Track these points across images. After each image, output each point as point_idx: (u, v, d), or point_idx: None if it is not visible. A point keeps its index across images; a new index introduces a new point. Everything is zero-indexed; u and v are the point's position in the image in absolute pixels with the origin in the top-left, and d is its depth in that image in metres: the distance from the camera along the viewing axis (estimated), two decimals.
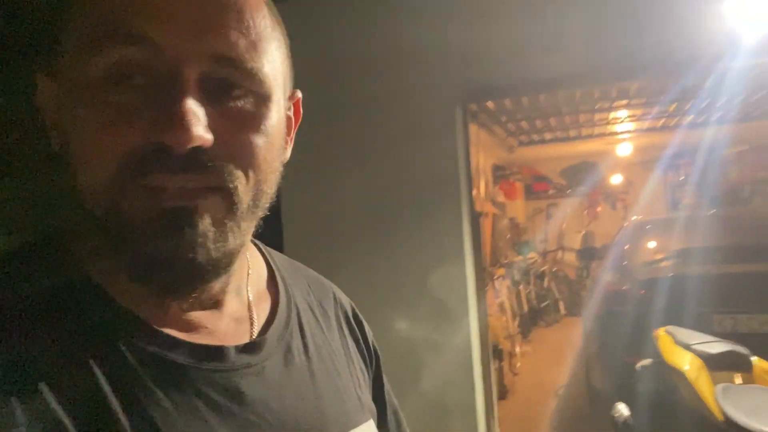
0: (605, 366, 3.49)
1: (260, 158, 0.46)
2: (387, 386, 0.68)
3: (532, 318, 6.94)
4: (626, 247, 4.08)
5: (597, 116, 3.86)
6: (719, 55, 2.28)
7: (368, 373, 0.65)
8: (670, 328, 1.98)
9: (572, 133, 4.29)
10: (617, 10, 2.28)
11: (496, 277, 5.75)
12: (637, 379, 1.96)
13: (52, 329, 0.41)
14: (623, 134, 4.83)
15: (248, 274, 0.56)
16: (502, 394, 4.32)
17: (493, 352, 4.17)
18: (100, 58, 0.41)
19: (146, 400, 0.42)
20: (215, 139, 0.42)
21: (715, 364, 1.69)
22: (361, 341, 0.65)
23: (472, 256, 3.29)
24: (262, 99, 0.46)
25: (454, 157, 2.90)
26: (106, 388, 0.41)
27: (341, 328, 0.63)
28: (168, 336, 0.46)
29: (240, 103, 0.45)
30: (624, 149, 5.91)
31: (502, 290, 5.85)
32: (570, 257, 8.57)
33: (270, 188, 0.49)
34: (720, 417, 1.54)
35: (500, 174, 7.88)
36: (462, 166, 3.00)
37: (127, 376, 0.42)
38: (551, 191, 8.49)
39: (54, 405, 0.38)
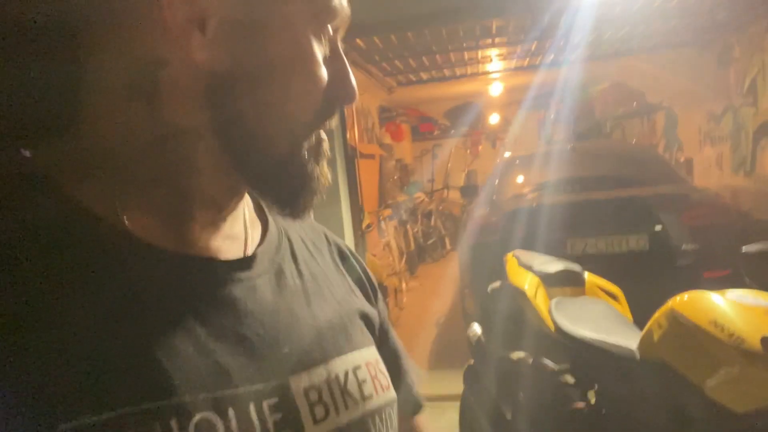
0: (475, 293, 3.74)
1: None
2: (383, 311, 0.67)
3: (420, 255, 7.24)
4: (496, 182, 4.32)
5: (467, 55, 3.94)
6: None
7: (372, 305, 0.64)
8: (517, 251, 2.14)
9: (447, 72, 4.37)
10: None
11: (383, 217, 5.89)
12: (488, 301, 2.12)
13: (49, 259, 0.41)
14: (494, 73, 5.01)
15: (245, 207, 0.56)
16: None
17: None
18: (313, 7, 0.46)
19: (132, 317, 0.41)
20: None
21: (553, 281, 1.86)
22: (363, 276, 0.65)
23: (348, 197, 3.33)
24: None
25: None
26: (93, 311, 0.40)
27: (337, 265, 0.62)
28: (158, 250, 0.45)
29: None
30: (496, 89, 6.16)
31: (389, 230, 6.01)
32: (455, 195, 8.96)
33: None
34: (552, 327, 1.71)
35: (386, 116, 7.93)
36: None
37: (116, 294, 0.41)
38: (436, 132, 8.72)
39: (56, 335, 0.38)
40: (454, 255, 7.92)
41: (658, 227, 3.36)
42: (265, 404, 0.44)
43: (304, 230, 0.63)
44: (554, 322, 1.70)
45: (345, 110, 3.15)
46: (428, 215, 8.04)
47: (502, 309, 1.94)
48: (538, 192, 3.79)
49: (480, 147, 8.97)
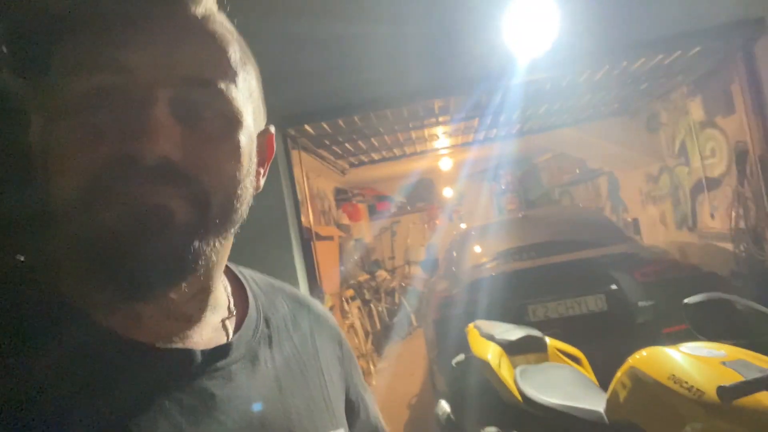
0: (442, 369, 3.67)
1: (229, 174, 0.49)
2: (360, 383, 0.71)
3: (386, 334, 7.11)
4: (454, 254, 4.37)
5: (414, 134, 4.10)
6: (501, 74, 2.55)
7: (342, 382, 0.66)
8: (478, 322, 2.14)
9: (397, 151, 4.52)
10: (413, 37, 2.45)
11: (345, 298, 5.81)
12: (454, 375, 2.08)
13: (31, 349, 0.43)
14: (442, 150, 5.20)
15: (228, 296, 0.59)
16: None
17: None
18: (78, 84, 0.44)
19: (118, 408, 0.43)
20: (185, 154, 0.45)
21: (515, 349, 1.85)
22: (338, 347, 0.68)
23: (306, 280, 3.29)
24: (231, 121, 0.49)
25: (278, 185, 2.88)
26: (81, 400, 0.42)
27: (314, 339, 0.65)
28: (139, 344, 0.47)
29: (210, 123, 0.47)
30: (446, 164, 6.38)
31: (352, 311, 5.92)
32: (417, 271, 8.98)
33: (240, 206, 0.51)
34: (520, 397, 1.68)
35: (342, 197, 8.04)
36: (287, 194, 3.00)
37: (101, 386, 0.43)
38: (393, 209, 8.85)
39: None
40: (420, 331, 7.82)
41: (613, 286, 3.44)
42: None
43: (287, 303, 0.66)
44: (521, 392, 1.68)
45: (299, 193, 3.18)
46: (392, 293, 7.99)
47: (468, 382, 1.90)
48: (496, 261, 3.85)
49: (438, 221, 9.14)
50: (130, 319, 0.48)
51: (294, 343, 0.61)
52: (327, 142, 3.60)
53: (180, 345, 0.50)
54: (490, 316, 3.46)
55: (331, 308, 4.69)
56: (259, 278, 0.67)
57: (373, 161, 4.55)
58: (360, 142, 3.87)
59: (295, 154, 3.18)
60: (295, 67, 2.52)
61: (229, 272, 0.63)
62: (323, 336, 0.67)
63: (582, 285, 3.49)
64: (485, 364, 1.79)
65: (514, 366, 1.78)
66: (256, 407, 0.51)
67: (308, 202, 3.92)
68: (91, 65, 0.44)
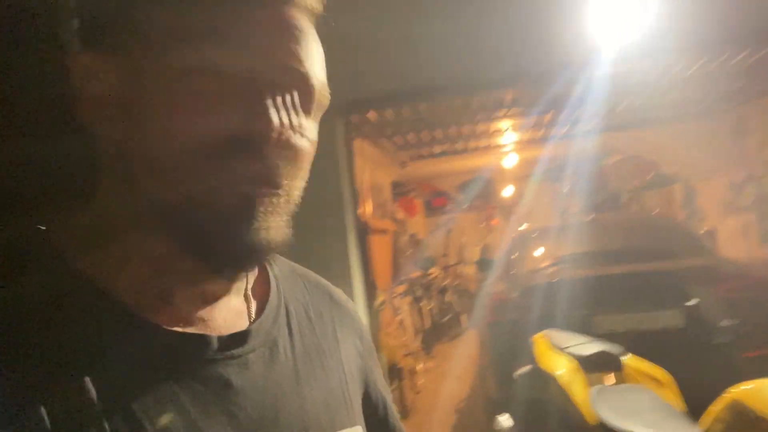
0: (497, 377, 3.48)
1: (306, 164, 0.50)
2: (379, 379, 0.68)
3: (435, 333, 6.95)
4: (513, 256, 4.15)
5: (480, 128, 3.91)
6: (585, 64, 2.34)
7: (362, 376, 0.65)
8: (548, 331, 1.95)
9: (459, 146, 4.33)
10: (489, 21, 2.28)
11: (395, 294, 5.69)
12: (516, 388, 1.91)
13: (41, 323, 0.43)
14: (507, 146, 4.97)
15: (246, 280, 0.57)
16: (404, 415, 4.20)
17: (392, 372, 4.07)
18: (195, 53, 0.43)
19: (125, 392, 0.42)
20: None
21: (589, 365, 1.66)
22: (358, 340, 0.66)
23: (361, 275, 3.17)
24: (318, 109, 0.50)
25: (336, 173, 2.78)
26: (88, 386, 0.41)
27: (335, 329, 0.63)
28: (155, 326, 0.46)
29: (304, 111, 0.48)
30: (510, 161, 6.12)
31: (402, 307, 5.79)
32: (470, 270, 8.75)
33: (299, 195, 0.51)
34: (592, 421, 1.50)
35: (399, 191, 7.92)
36: (346, 183, 2.89)
37: (109, 367, 0.42)
38: (450, 206, 8.65)
39: (42, 412, 0.39)
40: (471, 333, 7.61)
41: (692, 302, 3.14)
42: None
43: (309, 291, 0.63)
44: (598, 416, 1.49)
45: (357, 185, 3.06)
46: (443, 291, 7.81)
47: (532, 397, 1.73)
48: (559, 266, 3.61)
49: (495, 221, 8.87)
50: (156, 299, 0.47)
51: (315, 332, 0.59)
52: (389, 132, 3.46)
53: (198, 330, 0.49)
54: (550, 325, 3.24)
55: (382, 303, 4.58)
56: (281, 262, 0.64)
57: (434, 155, 4.39)
58: (423, 134, 3.72)
59: (356, 143, 3.07)
60: (362, 50, 2.40)
61: None
62: (345, 327, 0.64)
63: (656, 298, 3.21)
64: (552, 380, 1.62)
65: (589, 384, 1.60)
66: (272, 399, 0.50)
67: (367, 194, 3.81)
68: (210, 36, 0.43)
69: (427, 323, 6.59)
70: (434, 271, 7.81)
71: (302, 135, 0.47)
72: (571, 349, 1.71)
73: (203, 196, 0.44)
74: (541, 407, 1.71)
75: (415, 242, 8.06)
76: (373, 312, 3.27)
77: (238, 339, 0.50)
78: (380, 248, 5.37)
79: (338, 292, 0.68)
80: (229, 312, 0.52)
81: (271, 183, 0.46)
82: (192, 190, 0.44)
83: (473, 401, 4.68)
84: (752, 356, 2.95)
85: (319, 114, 0.51)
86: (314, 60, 0.47)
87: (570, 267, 3.54)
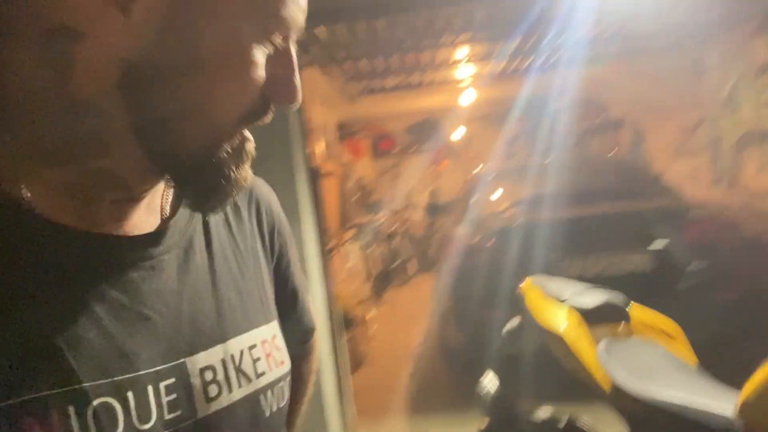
0: (460, 323, 3.31)
1: None
2: (295, 272, 0.69)
3: (385, 279, 6.77)
4: (474, 198, 3.93)
5: (441, 55, 3.55)
6: None
7: (281, 272, 0.65)
8: (536, 278, 1.71)
9: (415, 79, 3.96)
10: None
11: (344, 241, 5.41)
12: (504, 346, 1.68)
13: None
14: (464, 81, 4.64)
15: None
16: (357, 364, 4.00)
17: (345, 321, 3.84)
18: (249, 24, 0.44)
19: (36, 301, 0.41)
20: None
21: (593, 318, 1.43)
22: (276, 233, 0.65)
23: (313, 219, 2.84)
24: None
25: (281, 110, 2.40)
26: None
27: (253, 226, 0.62)
28: (66, 228, 0.44)
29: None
30: (468, 97, 5.81)
31: (352, 253, 5.53)
32: (418, 215, 8.57)
33: None
34: (606, 385, 1.27)
35: (345, 132, 7.50)
36: (294, 119, 2.53)
37: (14, 272, 0.41)
38: (397, 149, 8.33)
39: None
40: (420, 278, 7.51)
41: (659, 244, 3.02)
42: (161, 386, 0.45)
43: None
44: (611, 378, 1.27)
45: (306, 126, 2.68)
46: (391, 237, 7.60)
47: (527, 357, 1.49)
48: (521, 208, 3.40)
49: (443, 164, 8.65)
50: (70, 200, 0.45)
51: (233, 231, 0.58)
52: (341, 56, 3.05)
53: (112, 231, 0.47)
54: (519, 269, 3.07)
55: (332, 249, 4.29)
56: None
57: (386, 89, 4.01)
58: (377, 61, 3.32)
59: (305, 72, 2.67)
60: None
61: None
62: (265, 223, 0.64)
63: (623, 241, 3.08)
64: (556, 338, 1.38)
65: (596, 340, 1.37)
66: (188, 303, 0.49)
67: (316, 135, 3.42)
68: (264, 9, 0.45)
69: (377, 269, 6.39)
70: (382, 215, 7.56)
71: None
72: (571, 300, 1.47)
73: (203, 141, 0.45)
74: (540, 369, 1.48)
75: (362, 186, 7.74)
76: (326, 257, 2.99)
77: (153, 239, 0.49)
78: (326, 192, 5.03)
79: (259, 186, 0.65)
80: (146, 214, 0.50)
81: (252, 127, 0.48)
82: (220, 142, 0.45)
83: (428, 347, 4.54)
84: (722, 299, 2.88)
85: None
86: None
87: (532, 209, 3.34)
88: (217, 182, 0.46)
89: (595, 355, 1.34)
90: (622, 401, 1.24)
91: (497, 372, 1.67)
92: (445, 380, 3.78)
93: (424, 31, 2.83)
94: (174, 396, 0.45)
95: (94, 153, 0.43)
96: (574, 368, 1.37)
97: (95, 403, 0.40)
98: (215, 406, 0.48)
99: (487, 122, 8.36)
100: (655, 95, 5.49)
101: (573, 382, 1.38)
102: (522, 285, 1.73)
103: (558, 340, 1.41)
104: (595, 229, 3.11)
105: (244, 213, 0.61)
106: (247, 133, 0.48)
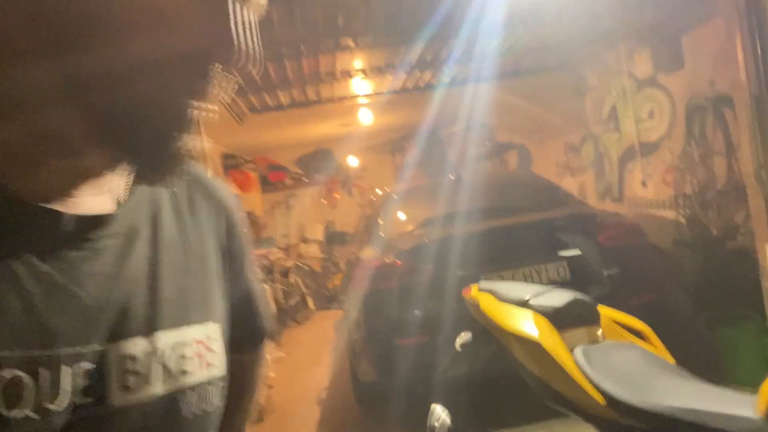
0: (375, 354, 2.97)
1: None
2: (249, 272, 0.67)
3: (282, 319, 6.25)
4: (380, 220, 3.67)
5: (340, 63, 3.29)
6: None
7: (233, 272, 0.62)
8: (486, 283, 1.44)
9: (311, 91, 3.67)
10: None
11: None
12: (454, 366, 1.38)
13: None
14: (363, 99, 4.43)
15: None
16: (259, 416, 3.49)
17: None
18: None
19: None
20: None
21: (561, 320, 1.18)
22: (230, 233, 0.62)
23: None
24: None
25: None
26: None
27: (210, 225, 0.59)
28: (9, 198, 0.43)
29: None
30: (364, 117, 5.61)
31: None
32: (314, 249, 8.17)
33: None
34: (601, 399, 1.00)
35: (231, 164, 6.99)
36: None
37: None
38: (288, 181, 7.93)
39: None
40: (322, 315, 7.06)
41: (575, 252, 2.94)
42: (78, 367, 0.44)
43: (186, 179, 0.59)
44: (601, 390, 1.00)
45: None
46: (285, 273, 7.12)
47: (490, 373, 1.19)
48: (434, 228, 3.19)
49: (337, 194, 8.36)
50: (12, 164, 0.43)
51: (186, 226, 0.56)
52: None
53: (59, 206, 0.45)
54: (435, 288, 2.84)
55: None
56: None
57: (279, 106, 3.68)
58: (270, 72, 2.99)
59: None
60: None
61: None
62: (224, 224, 0.61)
63: (540, 251, 2.96)
64: (530, 344, 1.09)
65: (569, 347, 1.11)
66: (122, 291, 0.47)
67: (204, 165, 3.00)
68: None
69: (273, 308, 5.87)
70: (274, 251, 7.08)
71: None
72: (535, 301, 1.21)
73: (146, 96, 0.43)
74: (510, 385, 1.19)
75: (253, 220, 7.22)
76: None
77: (97, 222, 0.47)
78: None
79: (216, 184, 0.63)
80: (98, 197, 0.48)
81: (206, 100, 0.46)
82: (138, 89, 0.43)
83: (336, 389, 4.12)
84: (636, 303, 2.82)
85: None
86: None
87: (443, 227, 3.15)
88: (161, 149, 0.45)
89: (572, 362, 1.08)
90: (619, 415, 0.98)
91: (445, 404, 1.35)
92: (361, 422, 3.38)
93: (325, 28, 2.55)
94: (90, 381, 0.44)
95: (32, 108, 0.42)
96: (549, 380, 1.09)
97: (5, 374, 0.40)
98: (131, 398, 0.46)
99: (379, 153, 8.27)
100: (541, 114, 5.66)
101: (547, 397, 1.10)
102: (468, 292, 1.45)
103: (528, 349, 1.13)
104: (510, 242, 2.97)
105: (202, 211, 0.59)
106: (195, 103, 0.44)
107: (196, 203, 0.58)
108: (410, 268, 2.89)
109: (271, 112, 3.87)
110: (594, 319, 1.24)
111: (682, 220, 3.89)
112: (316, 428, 3.41)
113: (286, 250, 7.70)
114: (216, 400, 0.55)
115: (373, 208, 4.26)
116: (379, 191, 4.53)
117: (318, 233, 8.25)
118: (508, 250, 2.94)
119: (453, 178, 4.05)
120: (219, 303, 0.58)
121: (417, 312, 2.77)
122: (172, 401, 0.49)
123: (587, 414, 1.02)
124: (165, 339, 0.50)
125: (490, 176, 4.90)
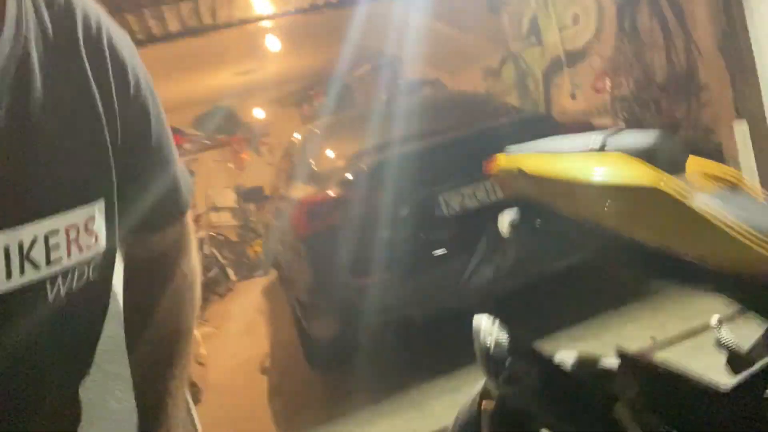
0: (330, 305, 2.54)
1: None
2: (157, 129, 0.58)
3: (203, 294, 5.63)
4: (310, 158, 3.19)
5: None
6: None
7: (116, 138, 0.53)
8: (515, 147, 1.08)
9: (205, 10, 3.05)
10: None
11: None
12: (492, 259, 1.01)
13: None
14: (266, 19, 3.84)
15: None
16: (196, 397, 2.98)
17: None
18: None
19: None
20: None
21: (653, 164, 0.83)
22: (114, 85, 0.52)
23: None
24: None
25: None
26: None
27: (95, 76, 0.50)
28: None
29: None
30: (272, 43, 4.96)
31: None
32: (226, 217, 7.49)
33: None
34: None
35: None
36: None
37: None
38: (187, 145, 7.12)
39: None
40: (244, 285, 6.49)
41: None
42: None
43: (55, 24, 0.48)
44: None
45: None
46: (199, 246, 6.44)
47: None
48: (373, 154, 2.78)
49: (244, 155, 7.66)
50: None
51: (58, 85, 0.47)
52: None
53: None
54: (387, 217, 2.46)
55: None
56: None
57: (168, 35, 3.05)
58: None
59: None
60: None
61: None
62: (111, 72, 0.52)
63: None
64: (644, 195, 0.73)
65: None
66: None
67: None
68: None
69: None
70: None
71: None
72: (614, 141, 0.84)
73: None
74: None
75: None
76: None
77: None
78: None
79: (107, 26, 0.53)
80: None
81: None
82: None
83: (279, 354, 3.67)
84: None
85: None
86: None
87: (384, 153, 2.74)
88: None
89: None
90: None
91: (492, 312, 0.97)
92: (319, 385, 2.97)
93: None
94: None
95: None
96: (674, 239, 0.74)
97: None
98: None
99: (286, 103, 7.64)
100: (455, 40, 5.34)
101: (664, 267, 0.76)
102: (494, 164, 1.06)
103: (633, 202, 0.77)
104: (462, 157, 2.62)
105: (81, 61, 0.49)
106: None
107: (74, 53, 0.48)
108: (354, 198, 2.48)
109: (158, 46, 3.20)
110: (684, 165, 0.89)
111: (623, 125, 3.76)
112: (268, 399, 2.96)
113: (195, 221, 6.98)
114: (93, 274, 0.51)
115: (293, 151, 3.76)
116: (297, 134, 4.01)
117: (229, 200, 7.57)
118: (464, 165, 2.60)
119: (385, 101, 3.65)
120: (105, 174, 0.51)
121: (371, 246, 2.37)
122: (35, 292, 0.46)
123: (738, 275, 0.68)
124: (32, 230, 0.45)
125: (419, 104, 4.53)
